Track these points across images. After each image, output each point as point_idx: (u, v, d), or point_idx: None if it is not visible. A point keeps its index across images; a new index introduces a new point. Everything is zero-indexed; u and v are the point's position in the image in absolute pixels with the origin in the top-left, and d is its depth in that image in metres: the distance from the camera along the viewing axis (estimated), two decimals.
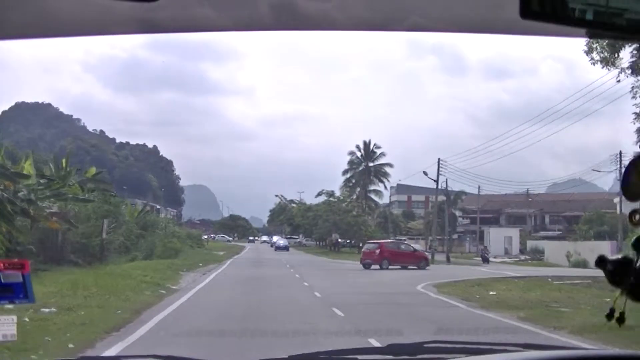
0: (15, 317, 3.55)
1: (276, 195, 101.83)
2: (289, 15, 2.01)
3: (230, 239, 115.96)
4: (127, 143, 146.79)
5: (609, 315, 1.81)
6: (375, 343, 10.05)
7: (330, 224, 74.40)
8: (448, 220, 79.02)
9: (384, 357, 2.73)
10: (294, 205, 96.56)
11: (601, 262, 1.77)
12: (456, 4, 1.99)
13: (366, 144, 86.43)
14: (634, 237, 1.73)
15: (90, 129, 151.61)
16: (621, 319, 1.79)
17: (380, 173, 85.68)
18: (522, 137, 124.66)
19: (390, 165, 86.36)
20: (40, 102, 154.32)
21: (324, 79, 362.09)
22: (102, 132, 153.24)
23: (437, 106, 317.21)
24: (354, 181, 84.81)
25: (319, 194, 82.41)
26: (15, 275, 3.05)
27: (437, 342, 2.93)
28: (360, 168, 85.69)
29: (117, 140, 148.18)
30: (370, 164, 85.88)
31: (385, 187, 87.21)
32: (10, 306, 3.39)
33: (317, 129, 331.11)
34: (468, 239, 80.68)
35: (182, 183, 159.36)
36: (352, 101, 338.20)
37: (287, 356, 2.71)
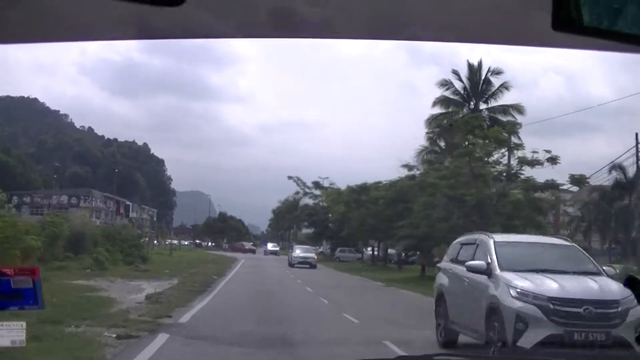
0: (24, 323, 3.50)
1: (289, 178, 67.26)
2: (287, 23, 2.00)
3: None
4: (115, 140, 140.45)
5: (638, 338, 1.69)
6: None
7: (458, 204, 29.69)
8: (631, 213, 41.94)
9: None
10: (318, 193, 62.05)
11: (633, 282, 1.57)
12: (459, 14, 1.97)
13: (473, 69, 41.07)
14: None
15: (77, 125, 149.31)
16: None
17: (499, 122, 37.47)
18: None
19: (519, 109, 39.84)
20: (25, 96, 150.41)
21: (323, 86, 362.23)
22: (90, 129, 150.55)
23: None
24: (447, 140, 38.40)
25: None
26: (26, 281, 3.03)
27: (447, 354, 2.91)
28: (462, 114, 39.22)
29: (106, 137, 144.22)
30: (483, 106, 40.83)
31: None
32: None
33: (316, 136, 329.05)
34: None
35: (179, 189, 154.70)
36: (351, 109, 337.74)
37: None
